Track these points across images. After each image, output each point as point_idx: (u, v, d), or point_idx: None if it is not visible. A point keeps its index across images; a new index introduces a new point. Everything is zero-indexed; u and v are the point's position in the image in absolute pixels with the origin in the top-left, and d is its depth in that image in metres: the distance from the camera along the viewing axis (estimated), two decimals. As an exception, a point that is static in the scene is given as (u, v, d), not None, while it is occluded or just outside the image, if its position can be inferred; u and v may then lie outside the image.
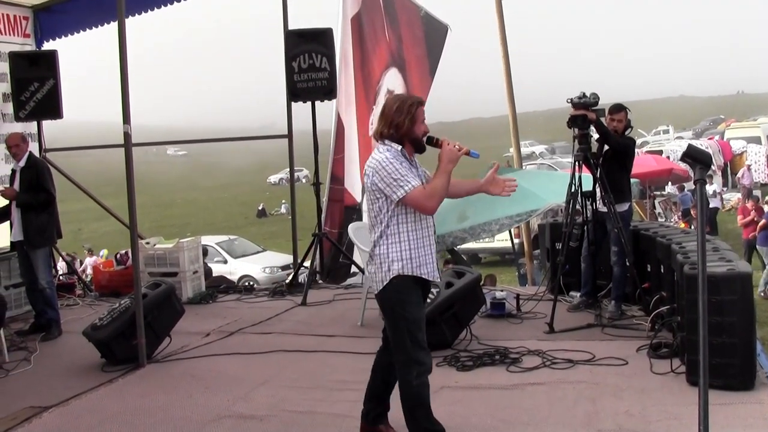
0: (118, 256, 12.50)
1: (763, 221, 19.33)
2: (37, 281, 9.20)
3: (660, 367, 6.74)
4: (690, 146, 4.07)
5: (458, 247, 15.91)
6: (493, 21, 20.34)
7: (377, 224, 5.21)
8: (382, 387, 5.54)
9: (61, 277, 12.99)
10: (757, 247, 19.47)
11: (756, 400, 5.93)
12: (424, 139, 5.23)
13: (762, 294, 18.18)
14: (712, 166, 34.61)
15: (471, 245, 23.30)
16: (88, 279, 14.99)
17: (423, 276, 5.20)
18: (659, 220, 26.63)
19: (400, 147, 5.19)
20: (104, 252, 27.49)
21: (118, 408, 6.59)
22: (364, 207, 14.15)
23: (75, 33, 13.01)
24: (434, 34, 16.78)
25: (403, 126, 5.16)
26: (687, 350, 6.27)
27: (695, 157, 3.96)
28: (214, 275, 14.13)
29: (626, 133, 9.05)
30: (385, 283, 5.17)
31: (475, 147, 5.30)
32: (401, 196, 5.06)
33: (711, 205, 27.69)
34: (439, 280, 5.39)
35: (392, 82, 14.91)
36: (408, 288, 5.18)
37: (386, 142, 5.21)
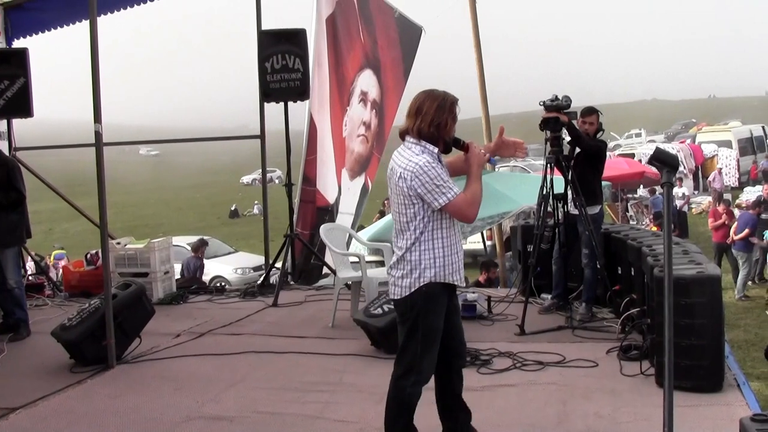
0: (89, 256, 12.44)
1: (746, 231, 19.44)
2: (6, 281, 9.10)
3: (630, 369, 6.78)
4: (657, 149, 4.10)
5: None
6: (467, 23, 20.42)
7: (409, 230, 4.96)
8: (452, 398, 5.33)
9: (30, 277, 12.89)
10: (734, 251, 19.60)
11: (724, 401, 5.98)
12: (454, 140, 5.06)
13: (743, 298, 18.34)
14: (682, 170, 34.90)
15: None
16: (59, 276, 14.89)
17: (455, 283, 5.06)
18: (631, 223, 26.76)
19: (436, 149, 4.97)
20: (59, 252, 26.87)
21: (87, 409, 6.54)
22: (341, 209, 14.18)
23: (46, 31, 12.91)
24: (408, 35, 16.78)
25: (446, 126, 4.94)
26: (656, 352, 6.31)
27: (663, 160, 3.99)
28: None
29: (598, 135, 9.09)
30: (412, 290, 4.96)
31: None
32: (443, 204, 4.86)
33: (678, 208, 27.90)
34: (464, 284, 5.23)
35: (366, 83, 14.91)
36: (436, 297, 5.00)
37: (421, 142, 4.94)
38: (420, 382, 5.02)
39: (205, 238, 23.34)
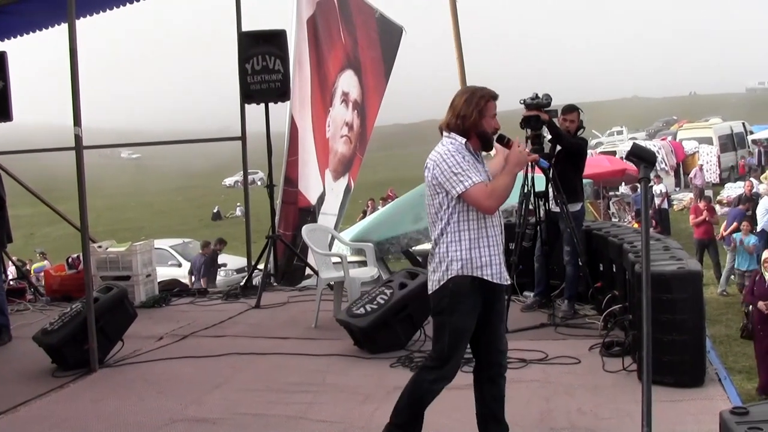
0: (70, 260, 12.35)
1: (734, 224, 19.50)
2: (-14, 286, 9.06)
3: (612, 365, 6.79)
4: (635, 145, 4.12)
5: (413, 248, 15.92)
6: (448, 22, 20.42)
7: (437, 221, 5.01)
8: (494, 405, 5.22)
9: (11, 282, 12.82)
10: (725, 246, 19.63)
11: (706, 396, 6.00)
12: (495, 136, 5.06)
13: (724, 293, 18.42)
14: (664, 167, 35.02)
15: (426, 246, 23.35)
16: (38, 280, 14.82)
17: (485, 278, 4.94)
18: (613, 220, 26.85)
19: (464, 140, 4.98)
20: (40, 265, 26.45)
21: (70, 413, 6.52)
22: (323, 209, 14.16)
23: (25, 34, 12.83)
24: (389, 35, 16.77)
25: (470, 118, 4.95)
26: (638, 348, 6.32)
27: (640, 156, 4.01)
28: (167, 279, 13.99)
29: (579, 133, 9.10)
30: (441, 283, 4.96)
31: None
32: (461, 192, 4.85)
33: (658, 205, 28.02)
34: (507, 282, 5.06)
35: (348, 84, 14.90)
36: (464, 293, 4.93)
37: (451, 134, 5.02)
38: (441, 379, 5.02)
39: (163, 249, 23.03)
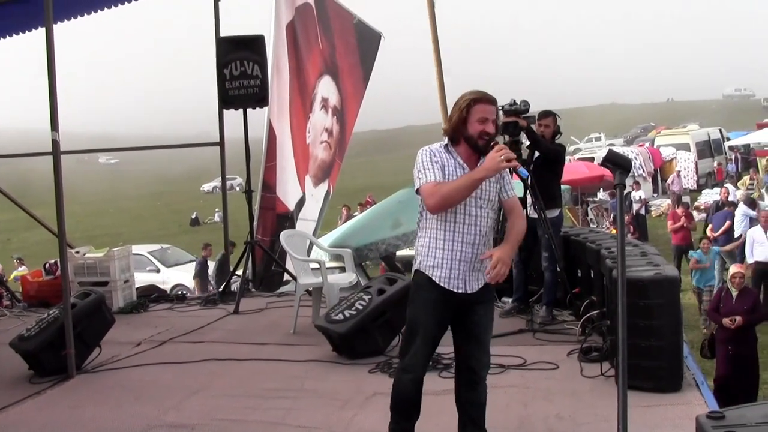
0: (47, 265, 12.32)
1: (728, 223, 19.60)
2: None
3: (590, 370, 6.82)
4: (610, 151, 4.15)
5: (397, 254, 15.96)
6: (426, 28, 20.46)
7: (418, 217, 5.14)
8: (473, 410, 5.16)
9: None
10: (719, 248, 19.60)
11: (684, 401, 6.04)
12: (481, 141, 4.90)
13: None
14: (641, 173, 35.19)
15: (406, 252, 23.39)
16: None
17: (434, 279, 4.96)
18: (591, 226, 26.95)
19: (445, 143, 5.00)
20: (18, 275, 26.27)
21: (47, 420, 6.49)
22: (303, 215, 14.15)
23: (2, 38, 12.77)
24: (367, 41, 16.79)
25: (451, 120, 4.97)
26: (616, 353, 6.35)
27: (615, 162, 4.04)
28: (145, 285, 13.93)
29: (556, 139, 9.15)
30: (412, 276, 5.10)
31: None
32: (417, 188, 4.93)
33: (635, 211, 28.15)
34: (460, 291, 4.96)
35: (326, 89, 14.91)
36: (422, 288, 5.01)
37: (444, 139, 5.07)
38: (402, 371, 5.06)
39: (141, 254, 22.83)
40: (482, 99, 4.95)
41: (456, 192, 4.84)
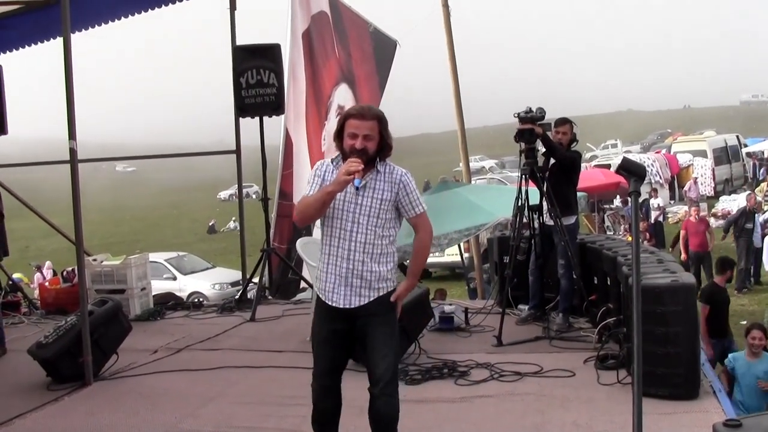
0: (65, 273, 12.34)
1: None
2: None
3: (607, 378, 6.81)
4: (624, 159, 4.14)
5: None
6: (442, 36, 20.50)
7: None
8: (374, 424, 5.14)
9: (8, 295, 12.77)
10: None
11: (700, 408, 6.02)
12: (352, 155, 4.92)
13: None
14: (658, 179, 35.06)
15: (437, 259, 23.52)
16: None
17: (317, 291, 5.15)
18: (608, 233, 26.87)
19: (335, 156, 5.13)
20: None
21: (64, 427, 6.52)
22: (319, 222, 14.15)
23: (20, 48, 12.86)
24: (383, 49, 16.83)
25: (335, 138, 5.11)
26: (632, 361, 6.33)
27: (629, 170, 4.03)
28: (162, 292, 13.98)
29: (572, 146, 9.14)
30: None
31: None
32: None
33: (654, 219, 28.05)
34: (338, 305, 5.01)
35: (342, 97, 14.93)
36: (317, 298, 5.17)
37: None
38: (313, 377, 5.23)
39: (158, 262, 22.86)
40: (354, 115, 5.02)
41: (308, 207, 5.02)
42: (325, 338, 5.14)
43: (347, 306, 5.02)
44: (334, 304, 5.03)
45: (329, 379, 5.19)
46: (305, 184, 5.13)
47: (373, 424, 5.09)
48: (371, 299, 5.04)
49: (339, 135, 5.02)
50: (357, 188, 4.88)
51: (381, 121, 5.04)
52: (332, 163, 5.09)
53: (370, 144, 4.95)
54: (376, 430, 5.11)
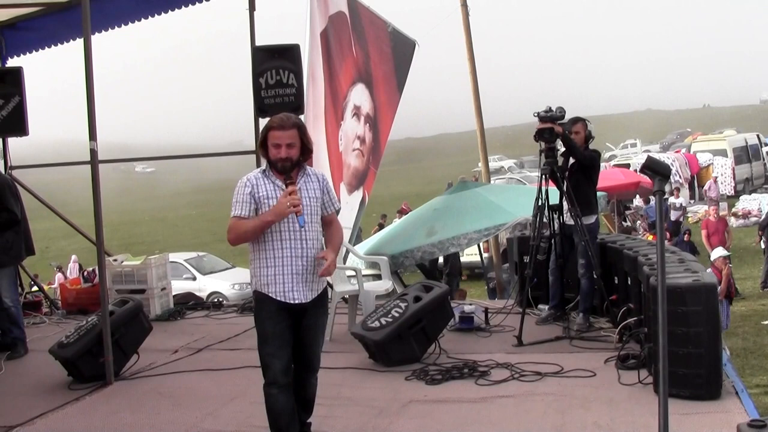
0: (86, 273, 12.39)
1: None
2: (2, 300, 9.08)
3: (628, 378, 6.77)
4: (649, 158, 4.12)
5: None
6: (461, 36, 20.49)
7: None
8: (298, 400, 5.62)
9: (27, 295, 12.85)
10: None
11: (722, 409, 5.97)
12: (280, 164, 5.31)
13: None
14: (678, 179, 34.92)
15: (440, 260, 23.37)
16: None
17: (270, 295, 5.30)
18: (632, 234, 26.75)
19: (264, 167, 5.40)
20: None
21: (86, 426, 6.54)
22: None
23: (41, 49, 12.91)
24: (402, 49, 16.78)
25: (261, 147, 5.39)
26: (654, 361, 6.30)
27: (654, 169, 4.00)
28: (182, 293, 14.01)
29: (588, 144, 9.11)
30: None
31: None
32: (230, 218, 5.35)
33: (673, 218, 27.94)
34: (296, 301, 5.32)
35: (359, 97, 14.90)
36: (261, 302, 5.37)
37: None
38: (267, 385, 5.36)
39: (177, 262, 23.00)
40: (274, 126, 5.31)
41: (250, 233, 5.31)
42: (280, 337, 5.32)
43: (304, 301, 5.34)
44: (295, 302, 5.31)
45: (287, 377, 5.38)
46: (234, 201, 5.37)
47: (302, 401, 5.64)
48: (320, 291, 5.47)
49: (263, 145, 5.31)
50: (301, 226, 5.23)
51: (300, 128, 5.42)
52: (263, 174, 5.35)
53: (293, 151, 5.32)
54: (304, 407, 5.68)
